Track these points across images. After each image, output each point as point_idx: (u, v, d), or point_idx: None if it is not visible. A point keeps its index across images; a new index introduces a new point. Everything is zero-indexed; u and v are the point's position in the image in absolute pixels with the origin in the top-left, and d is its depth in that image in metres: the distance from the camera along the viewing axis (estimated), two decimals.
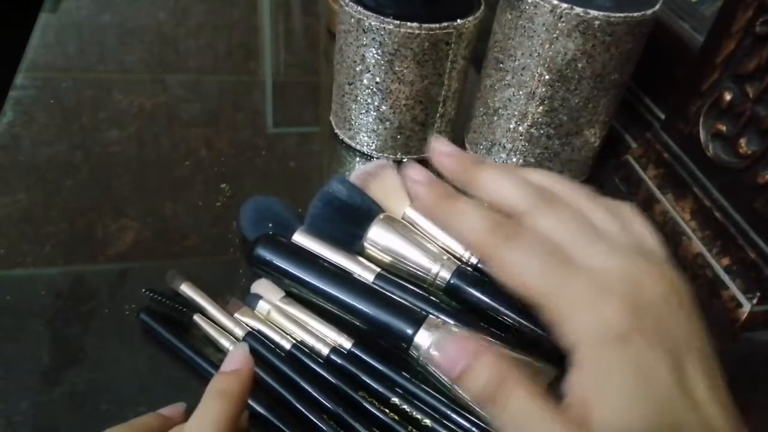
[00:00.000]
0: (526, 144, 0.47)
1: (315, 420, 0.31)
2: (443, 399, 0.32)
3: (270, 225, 0.38)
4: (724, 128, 0.41)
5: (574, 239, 0.24)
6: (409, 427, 0.31)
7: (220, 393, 0.26)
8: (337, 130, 0.51)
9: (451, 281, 0.36)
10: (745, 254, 0.40)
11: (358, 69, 0.45)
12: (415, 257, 0.37)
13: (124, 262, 0.39)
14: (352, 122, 0.49)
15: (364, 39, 0.44)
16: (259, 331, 0.34)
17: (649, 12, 0.41)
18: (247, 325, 0.35)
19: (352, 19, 0.44)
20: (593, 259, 0.23)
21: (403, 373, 0.33)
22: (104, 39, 0.60)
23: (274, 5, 0.72)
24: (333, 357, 0.33)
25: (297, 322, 0.35)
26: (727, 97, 0.41)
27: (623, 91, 0.46)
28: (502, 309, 0.35)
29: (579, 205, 0.26)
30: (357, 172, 0.41)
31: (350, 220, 0.38)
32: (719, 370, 0.24)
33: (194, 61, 0.59)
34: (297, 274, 0.35)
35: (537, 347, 0.34)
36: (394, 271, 0.37)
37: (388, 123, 0.47)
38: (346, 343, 0.34)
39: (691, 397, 0.22)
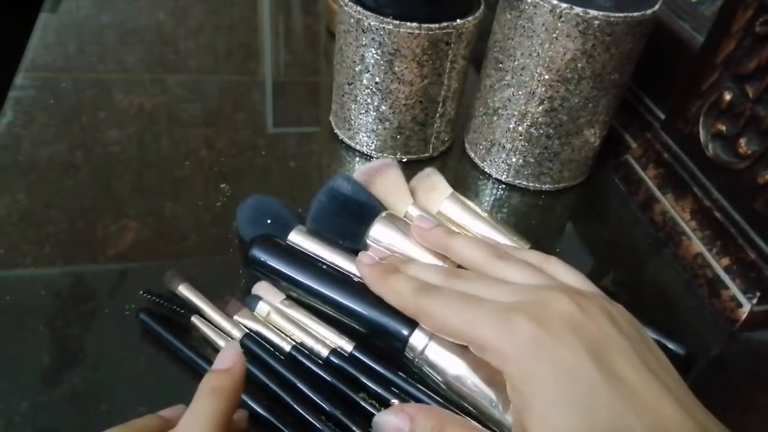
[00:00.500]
0: (526, 144, 0.47)
1: (313, 421, 0.31)
2: (441, 400, 0.32)
3: (268, 222, 0.38)
4: (723, 128, 0.41)
5: (488, 285, 0.29)
6: None
7: (213, 390, 0.26)
8: (336, 130, 0.51)
9: None
10: (745, 254, 0.40)
11: (357, 69, 0.45)
12: (417, 255, 0.37)
13: (124, 262, 0.39)
14: (352, 122, 0.49)
15: (364, 39, 0.44)
16: (257, 333, 0.34)
17: (648, 12, 0.41)
18: (246, 327, 0.34)
19: (352, 19, 0.44)
20: (501, 295, 0.28)
21: (402, 375, 0.33)
22: (104, 39, 0.60)
23: (274, 5, 0.72)
24: (333, 359, 0.33)
25: (297, 325, 0.35)
26: (727, 97, 0.41)
27: (623, 91, 0.46)
28: None
29: (519, 261, 0.31)
30: (361, 169, 0.41)
31: (353, 216, 0.38)
32: (671, 371, 0.25)
33: (194, 61, 0.59)
34: (292, 275, 0.35)
35: None
36: None
37: (387, 123, 0.47)
38: (347, 346, 0.34)
39: (625, 390, 0.23)
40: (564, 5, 0.39)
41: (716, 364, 0.39)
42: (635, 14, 0.40)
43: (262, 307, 0.35)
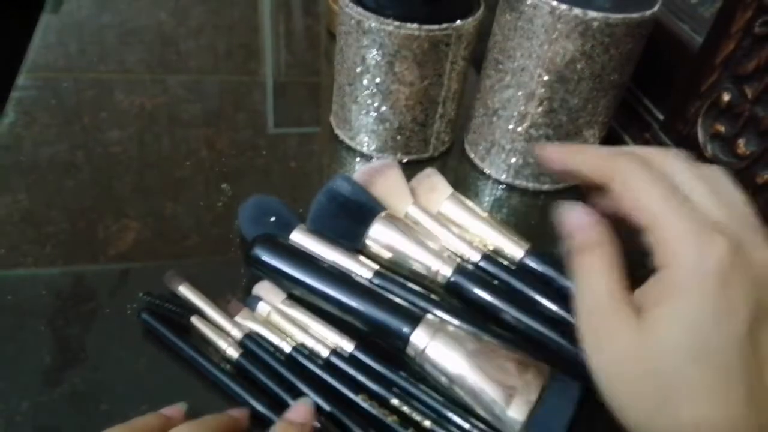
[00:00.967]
0: (526, 144, 0.47)
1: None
2: (443, 400, 0.32)
3: (272, 220, 0.38)
4: (722, 129, 0.42)
5: (698, 191, 0.26)
6: (410, 429, 0.31)
7: None
8: (337, 131, 0.52)
9: (452, 279, 0.36)
10: None
11: (358, 70, 0.46)
12: (416, 255, 0.37)
13: (124, 262, 0.39)
14: (353, 123, 0.49)
15: (365, 40, 0.44)
16: (257, 333, 0.34)
17: (648, 13, 0.41)
18: (246, 327, 0.35)
19: (353, 20, 0.44)
20: (712, 211, 0.25)
21: (403, 374, 0.33)
22: (105, 39, 0.60)
23: (275, 5, 0.72)
24: (333, 359, 0.33)
25: (298, 325, 0.35)
26: (726, 97, 0.41)
27: (622, 91, 0.46)
28: (502, 307, 0.35)
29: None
30: (361, 169, 0.41)
31: (353, 216, 0.38)
32: None
33: (195, 61, 0.60)
34: (294, 274, 0.35)
35: (536, 345, 0.34)
36: (395, 269, 0.37)
37: (388, 123, 0.48)
38: (348, 347, 0.34)
39: (756, 359, 0.22)
40: (563, 6, 0.40)
41: None
42: (634, 15, 0.40)
43: (262, 308, 0.35)
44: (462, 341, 0.32)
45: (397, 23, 0.42)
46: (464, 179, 0.50)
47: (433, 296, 0.36)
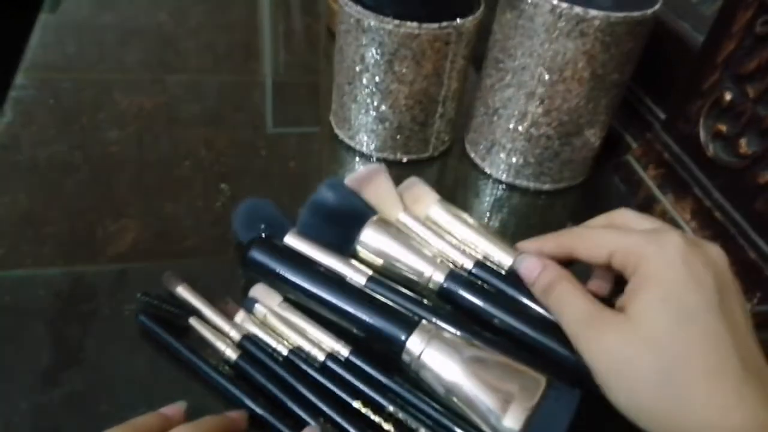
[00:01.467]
0: (526, 144, 0.47)
1: (312, 423, 0.31)
2: (439, 408, 0.32)
3: (262, 227, 0.38)
4: (724, 128, 0.41)
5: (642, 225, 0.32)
6: None
7: None
8: (336, 130, 0.51)
9: (445, 284, 0.36)
10: (745, 254, 0.40)
11: (357, 69, 0.45)
12: (408, 260, 0.37)
13: (123, 263, 0.39)
14: (352, 122, 0.49)
15: (364, 39, 0.44)
16: (254, 336, 0.34)
17: (649, 12, 0.40)
18: (243, 329, 0.34)
19: (352, 19, 0.43)
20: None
21: (399, 380, 0.33)
22: (104, 39, 0.60)
23: (274, 5, 0.72)
24: (329, 363, 0.33)
25: (294, 327, 0.35)
26: (728, 97, 0.41)
27: (623, 91, 0.46)
28: (495, 312, 0.35)
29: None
30: (352, 175, 0.41)
31: (341, 225, 0.37)
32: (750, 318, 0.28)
33: (194, 61, 0.59)
34: (290, 277, 0.35)
35: (529, 352, 0.34)
36: (387, 274, 0.37)
37: (387, 123, 0.47)
38: (344, 351, 0.34)
39: (732, 322, 0.26)
40: (564, 5, 0.39)
41: None
42: (635, 14, 0.40)
43: (258, 310, 0.35)
44: (458, 348, 0.32)
45: (396, 22, 0.42)
46: (464, 179, 0.50)
47: (425, 301, 0.36)
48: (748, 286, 0.39)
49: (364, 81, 0.46)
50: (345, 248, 0.37)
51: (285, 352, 0.33)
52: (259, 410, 0.31)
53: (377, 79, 0.45)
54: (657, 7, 0.41)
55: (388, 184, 0.40)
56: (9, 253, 0.38)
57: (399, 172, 0.42)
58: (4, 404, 0.31)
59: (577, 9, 0.39)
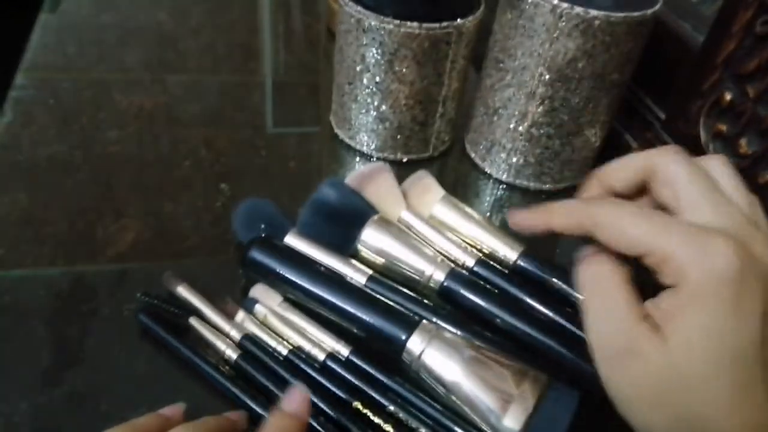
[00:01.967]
0: (526, 144, 0.47)
1: (312, 422, 0.31)
2: (439, 407, 0.32)
3: (262, 227, 0.38)
4: (724, 128, 0.41)
5: (691, 195, 0.26)
6: None
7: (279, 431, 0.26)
8: (337, 130, 0.51)
9: (445, 283, 0.36)
10: None
11: (358, 69, 0.45)
12: (409, 259, 0.37)
13: (123, 263, 0.39)
14: (352, 122, 0.49)
15: (364, 39, 0.44)
16: (254, 336, 0.34)
17: (649, 12, 0.40)
18: (243, 329, 0.34)
19: (352, 19, 0.43)
20: (705, 214, 0.25)
21: (399, 380, 0.33)
22: (104, 39, 0.60)
23: (274, 5, 0.72)
24: (329, 363, 0.33)
25: (294, 327, 0.35)
26: (728, 97, 0.41)
27: (623, 90, 0.46)
28: (495, 312, 0.35)
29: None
30: (352, 174, 0.41)
31: (342, 224, 0.38)
32: None
33: (194, 61, 0.59)
34: (290, 277, 0.35)
35: (530, 352, 0.34)
36: (387, 274, 0.37)
37: (387, 123, 0.47)
38: (344, 351, 0.34)
39: (763, 355, 0.23)
40: (564, 5, 0.39)
41: None
42: (635, 14, 0.40)
43: (259, 310, 0.35)
44: (458, 348, 0.32)
45: (397, 22, 0.42)
46: (465, 179, 0.50)
47: (426, 301, 0.36)
48: None
49: (365, 81, 0.46)
50: (346, 248, 0.37)
51: (285, 352, 0.33)
52: (259, 409, 0.31)
53: (377, 79, 0.45)
54: (657, 7, 0.41)
55: (390, 183, 0.40)
56: (9, 253, 0.38)
57: (399, 172, 0.42)
58: (4, 404, 0.31)
59: (578, 9, 0.39)
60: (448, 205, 0.40)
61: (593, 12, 0.39)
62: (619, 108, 0.48)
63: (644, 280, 0.26)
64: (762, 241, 0.24)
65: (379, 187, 0.40)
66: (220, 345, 0.33)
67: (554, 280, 0.37)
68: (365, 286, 0.36)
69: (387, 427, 0.31)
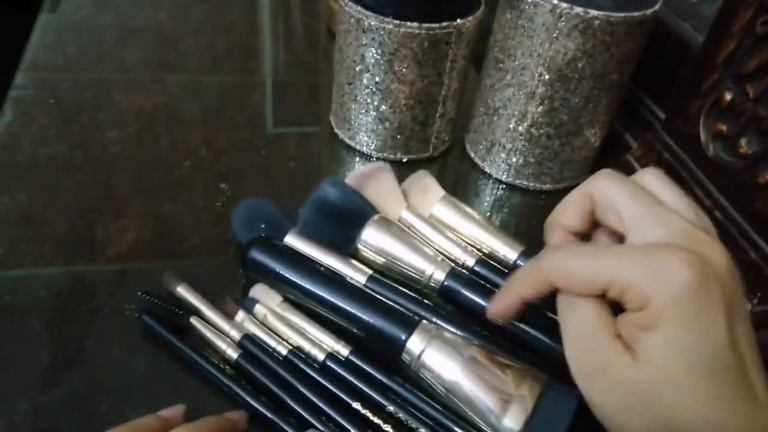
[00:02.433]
0: (526, 144, 0.47)
1: (313, 422, 0.31)
2: (439, 407, 0.32)
3: (263, 227, 0.38)
4: (724, 128, 0.41)
5: (631, 213, 0.26)
6: None
7: None
8: (336, 130, 0.51)
9: (445, 283, 0.36)
10: (746, 254, 0.40)
11: (357, 69, 0.45)
12: (409, 258, 0.37)
13: (123, 263, 0.39)
14: (352, 122, 0.49)
15: (364, 39, 0.44)
16: (254, 336, 0.34)
17: (649, 12, 0.40)
18: (243, 329, 0.34)
19: (352, 19, 0.43)
20: (647, 233, 0.25)
21: (399, 381, 0.33)
22: (104, 39, 0.60)
23: (274, 5, 0.72)
24: (329, 363, 0.33)
25: (294, 328, 0.35)
26: (728, 97, 0.41)
27: (623, 91, 0.46)
28: None
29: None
30: (353, 174, 0.41)
31: (343, 223, 0.38)
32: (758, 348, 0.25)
33: (194, 61, 0.59)
34: (290, 277, 0.35)
35: (530, 352, 0.34)
36: (388, 273, 0.37)
37: (387, 123, 0.47)
38: (344, 351, 0.34)
39: (740, 356, 0.23)
40: (564, 5, 0.39)
41: None
42: (635, 14, 0.40)
43: (259, 310, 0.35)
44: (458, 348, 0.32)
45: (396, 22, 0.42)
46: (465, 179, 0.50)
47: (426, 301, 0.36)
48: (749, 286, 0.39)
49: (365, 81, 0.46)
50: (346, 247, 0.37)
51: (285, 352, 0.33)
52: (260, 408, 0.31)
53: (377, 79, 0.45)
54: (657, 7, 0.41)
55: (390, 182, 0.40)
56: (9, 253, 0.38)
57: (399, 172, 0.42)
58: (4, 404, 0.31)
59: (578, 9, 0.39)
60: (448, 204, 0.40)
61: (593, 12, 0.39)
62: (619, 108, 0.48)
63: None
64: (711, 242, 0.25)
65: (380, 186, 0.40)
66: (221, 344, 0.33)
67: None
68: (365, 285, 0.36)
69: (387, 427, 0.31)
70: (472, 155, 0.51)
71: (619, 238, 0.27)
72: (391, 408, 0.31)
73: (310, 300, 0.35)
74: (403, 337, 0.32)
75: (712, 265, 0.24)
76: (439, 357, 0.31)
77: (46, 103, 0.51)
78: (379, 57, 0.44)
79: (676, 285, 0.23)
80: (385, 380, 0.33)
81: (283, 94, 0.58)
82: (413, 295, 0.36)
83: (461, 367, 0.31)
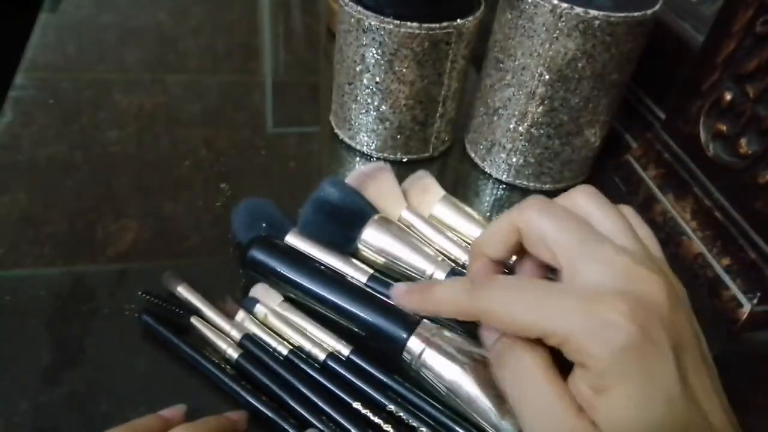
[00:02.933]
0: (526, 144, 0.47)
1: (313, 421, 0.31)
2: (440, 407, 0.32)
3: (263, 226, 0.38)
4: (724, 128, 0.41)
5: (563, 250, 0.25)
6: None
7: None
8: (337, 130, 0.51)
9: None
10: (746, 254, 0.40)
11: (357, 69, 0.45)
12: (410, 258, 0.37)
13: (123, 263, 0.39)
14: (352, 122, 0.49)
15: (364, 39, 0.44)
16: (254, 335, 0.34)
17: (649, 12, 0.40)
18: (243, 329, 0.34)
19: (352, 19, 0.43)
20: (584, 268, 0.24)
21: (400, 380, 0.33)
22: (104, 39, 0.60)
23: (274, 5, 0.72)
24: (330, 363, 0.33)
25: (294, 327, 0.35)
26: (728, 97, 0.41)
27: (623, 91, 0.46)
28: None
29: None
30: (353, 173, 0.41)
31: (343, 223, 0.38)
32: (714, 369, 0.25)
33: (194, 61, 0.59)
34: (291, 276, 0.35)
35: None
36: (388, 273, 0.37)
37: (387, 123, 0.47)
38: (344, 350, 0.34)
39: (693, 397, 0.22)
40: (564, 5, 0.39)
41: (716, 365, 0.39)
42: (635, 14, 0.40)
43: (259, 310, 0.35)
44: (459, 347, 0.32)
45: (397, 22, 0.42)
46: (465, 179, 0.50)
47: None
48: (748, 286, 0.40)
49: (365, 81, 0.46)
50: (346, 247, 0.37)
51: (285, 352, 0.33)
52: (261, 408, 0.31)
53: (377, 79, 0.45)
54: (657, 7, 0.41)
55: (390, 182, 0.40)
56: (9, 253, 0.38)
57: (399, 172, 0.42)
58: (4, 404, 0.31)
59: (578, 9, 0.39)
60: (448, 204, 0.40)
61: (593, 12, 0.39)
62: (619, 108, 0.48)
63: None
64: (648, 277, 0.23)
65: (380, 186, 0.40)
66: (221, 344, 0.33)
67: (553, 278, 0.37)
68: (366, 284, 0.36)
69: (387, 427, 0.31)
70: (472, 155, 0.51)
71: (549, 268, 0.26)
72: (391, 407, 0.31)
73: (310, 299, 0.35)
74: (404, 336, 0.32)
75: (654, 305, 0.23)
76: (440, 356, 0.31)
77: (46, 103, 0.51)
78: (379, 57, 0.44)
79: (617, 341, 0.22)
80: (385, 380, 0.33)
81: (283, 94, 0.58)
82: None
83: (462, 366, 0.31)
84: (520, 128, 0.46)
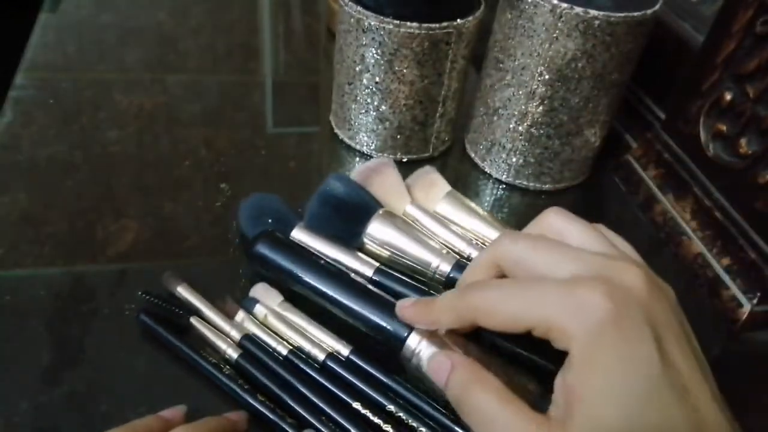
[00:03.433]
0: (526, 144, 0.47)
1: (313, 421, 0.31)
2: (439, 407, 0.32)
3: (269, 221, 0.38)
4: (724, 128, 0.41)
5: (546, 253, 0.26)
6: None
7: None
8: (336, 130, 0.51)
9: (451, 275, 0.36)
10: (746, 254, 0.40)
11: (357, 69, 0.45)
12: (415, 251, 0.37)
13: (123, 263, 0.39)
14: (352, 122, 0.49)
15: (364, 39, 0.44)
16: (254, 336, 0.34)
17: (649, 12, 0.40)
18: (243, 329, 0.34)
19: (352, 19, 0.43)
20: (562, 265, 0.25)
21: (399, 380, 0.33)
22: (104, 39, 0.60)
23: (274, 5, 0.72)
24: (329, 363, 0.33)
25: (294, 327, 0.35)
26: (728, 97, 0.41)
27: (623, 90, 0.46)
28: None
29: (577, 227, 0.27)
30: (358, 168, 0.41)
31: (348, 217, 0.38)
32: (707, 366, 0.25)
33: (194, 61, 0.59)
34: (296, 271, 0.35)
35: (532, 348, 0.34)
36: (394, 266, 0.37)
37: (387, 123, 0.47)
38: (344, 351, 0.34)
39: (680, 382, 0.22)
40: (564, 5, 0.39)
41: (716, 365, 0.39)
42: (635, 14, 0.40)
43: (259, 310, 0.35)
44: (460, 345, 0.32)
45: (396, 22, 0.42)
46: (465, 179, 0.50)
47: (432, 293, 0.36)
48: (748, 286, 0.40)
49: (364, 81, 0.46)
50: (352, 241, 0.38)
51: (285, 352, 0.33)
52: (260, 408, 0.31)
53: (377, 79, 0.45)
54: (657, 7, 0.41)
55: (395, 177, 0.40)
56: (9, 253, 0.38)
57: (399, 172, 0.42)
58: (5, 404, 0.31)
59: (578, 9, 0.39)
60: (452, 200, 0.40)
61: (593, 12, 0.39)
62: (619, 108, 0.48)
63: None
64: (627, 268, 0.24)
65: (385, 181, 0.40)
66: (221, 344, 0.33)
67: None
68: (372, 278, 0.36)
69: (387, 427, 0.31)
70: (472, 155, 0.51)
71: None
72: (391, 408, 0.31)
73: (314, 294, 0.35)
74: (405, 334, 0.32)
75: (631, 289, 0.23)
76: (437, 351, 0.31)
77: (46, 103, 0.51)
78: (379, 57, 0.44)
79: (596, 317, 0.22)
80: (385, 380, 0.33)
81: (283, 94, 0.58)
82: (421, 286, 0.36)
83: None
84: (520, 128, 0.46)
